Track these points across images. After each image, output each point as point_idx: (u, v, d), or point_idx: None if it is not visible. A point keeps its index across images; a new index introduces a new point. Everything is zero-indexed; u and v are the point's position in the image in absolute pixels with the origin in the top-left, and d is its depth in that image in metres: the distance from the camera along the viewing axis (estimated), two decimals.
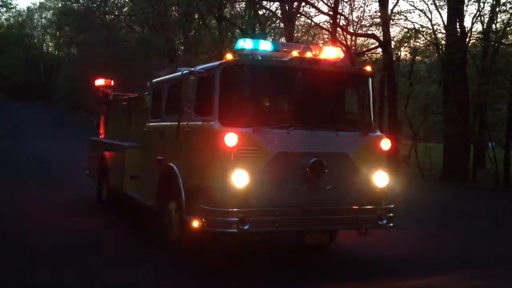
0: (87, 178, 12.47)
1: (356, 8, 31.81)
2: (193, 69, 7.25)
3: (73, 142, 23.05)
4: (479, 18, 24.87)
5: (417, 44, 26.49)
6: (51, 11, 61.78)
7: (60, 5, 53.02)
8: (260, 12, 29.58)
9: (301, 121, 6.85)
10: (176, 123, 7.26)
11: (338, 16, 26.44)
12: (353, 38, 31.01)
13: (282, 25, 29.31)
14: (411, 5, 32.28)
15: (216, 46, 29.19)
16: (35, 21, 66.14)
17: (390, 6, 25.48)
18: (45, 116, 41.97)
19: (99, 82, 12.22)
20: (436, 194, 17.45)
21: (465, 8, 23.85)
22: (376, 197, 7.10)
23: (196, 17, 33.68)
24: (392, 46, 24.89)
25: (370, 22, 28.76)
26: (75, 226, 9.36)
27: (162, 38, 34.03)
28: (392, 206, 7.24)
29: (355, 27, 30.91)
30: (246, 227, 6.32)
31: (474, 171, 24.00)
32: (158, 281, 6.52)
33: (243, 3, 31.01)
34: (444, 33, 23.91)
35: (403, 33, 26.90)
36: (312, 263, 7.56)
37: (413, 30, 25.61)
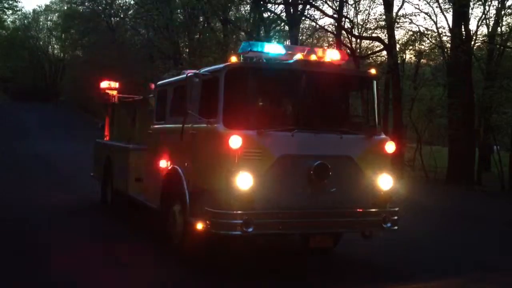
0: (92, 180, 12.50)
1: (361, 11, 31.83)
2: (197, 71, 7.26)
3: (78, 144, 23.13)
4: (484, 21, 24.77)
5: (422, 47, 26.42)
6: (56, 14, 62.05)
7: (65, 7, 53.24)
8: (265, 15, 29.64)
9: (306, 124, 6.85)
10: (181, 125, 7.27)
11: (343, 19, 26.48)
12: (358, 41, 31.05)
13: (286, 28, 29.33)
14: (416, 8, 32.14)
15: (221, 48, 29.25)
16: (41, 23, 66.35)
17: (395, 9, 25.46)
18: (50, 118, 42.08)
19: (104, 84, 12.25)
20: (440, 197, 17.40)
21: (470, 11, 23.79)
22: (380, 200, 7.08)
23: (201, 19, 33.76)
24: (397, 49, 24.87)
25: (375, 25, 28.75)
26: (79, 227, 9.40)
27: (167, 40, 34.13)
28: (396, 209, 7.22)
29: (360, 30, 30.95)
30: (250, 229, 6.31)
31: (479, 174, 23.90)
32: (161, 282, 6.53)
33: (248, 6, 31.09)
34: (449, 36, 23.84)
35: (408, 36, 26.85)
36: (315, 265, 7.55)
37: (418, 33, 25.54)
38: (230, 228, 6.39)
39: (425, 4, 31.04)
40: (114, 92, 12.08)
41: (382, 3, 24.90)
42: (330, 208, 6.83)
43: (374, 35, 27.95)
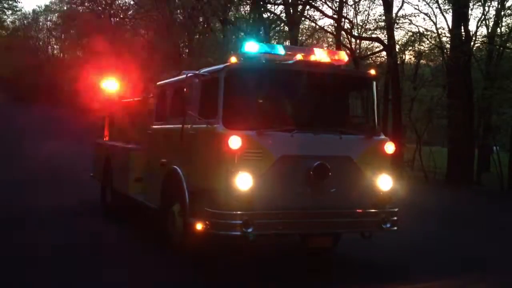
0: (92, 180, 12.50)
1: (360, 11, 31.87)
2: (197, 72, 7.26)
3: (78, 144, 23.12)
4: (484, 22, 24.82)
5: (422, 47, 26.47)
6: (56, 14, 62.01)
7: (65, 8, 53.21)
8: (265, 16, 29.63)
9: (305, 124, 6.86)
10: (180, 125, 7.27)
11: (343, 19, 26.51)
12: (358, 41, 31.09)
13: (286, 28, 29.34)
14: (416, 8, 32.16)
15: (220, 49, 29.24)
16: (41, 23, 66.37)
17: (395, 9, 25.51)
18: (49, 118, 42.05)
19: (104, 84, 12.23)
20: (440, 198, 17.41)
21: (470, 11, 23.83)
22: (380, 200, 7.09)
23: (201, 20, 33.75)
24: (397, 50, 24.88)
25: (375, 26, 28.77)
26: (79, 227, 9.40)
27: (166, 41, 34.10)
28: (396, 209, 7.22)
29: (359, 30, 30.98)
30: (249, 230, 6.32)
31: (478, 175, 23.94)
32: (161, 282, 6.53)
33: (248, 6, 31.08)
34: (449, 37, 23.88)
35: (407, 37, 26.89)
36: (315, 265, 7.56)
37: (418, 34, 25.59)
38: (229, 229, 6.40)
39: (425, 4, 31.14)
40: (114, 93, 12.08)
41: (382, 4, 24.94)
42: (329, 208, 6.83)
43: (373, 35, 27.98)
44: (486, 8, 24.11)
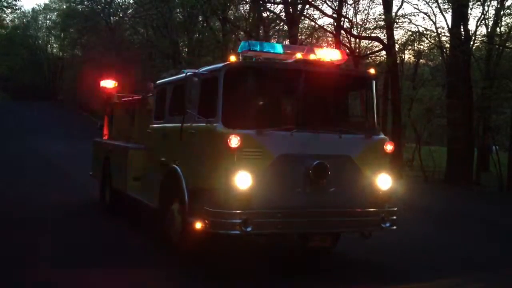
0: (91, 179, 12.49)
1: (360, 10, 31.90)
2: (196, 71, 7.25)
3: (77, 143, 23.11)
4: (483, 22, 24.80)
5: (421, 47, 26.49)
6: (55, 13, 61.94)
7: (64, 6, 53.15)
8: (264, 15, 29.63)
9: (305, 123, 6.84)
10: (180, 124, 7.26)
11: (342, 18, 26.49)
12: (357, 40, 31.07)
13: (286, 27, 29.33)
14: (415, 8, 32.16)
15: (220, 48, 29.26)
16: (40, 22, 66.25)
17: (394, 9, 25.51)
18: (49, 117, 42.05)
19: (103, 83, 12.22)
20: (439, 197, 17.42)
21: (469, 11, 23.82)
22: (379, 199, 7.08)
23: (200, 19, 33.75)
24: (396, 49, 24.89)
25: (374, 25, 28.82)
26: (78, 226, 9.39)
27: (166, 40, 34.12)
28: (395, 209, 7.22)
29: (359, 29, 30.97)
30: (249, 229, 6.31)
31: (477, 175, 23.94)
32: (160, 282, 6.52)
33: (247, 5, 31.09)
34: (448, 36, 23.88)
35: (407, 36, 26.91)
36: (314, 265, 7.56)
37: (417, 33, 25.60)
38: (229, 228, 6.38)
39: (424, 4, 31.17)
40: (113, 91, 12.07)
41: (381, 3, 24.94)
42: (328, 207, 6.82)
43: (373, 35, 28.00)
44: (486, 8, 24.14)
